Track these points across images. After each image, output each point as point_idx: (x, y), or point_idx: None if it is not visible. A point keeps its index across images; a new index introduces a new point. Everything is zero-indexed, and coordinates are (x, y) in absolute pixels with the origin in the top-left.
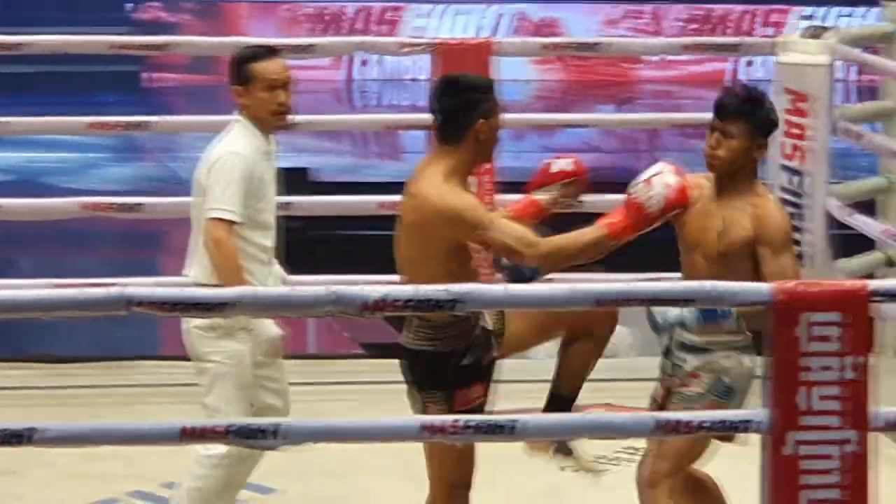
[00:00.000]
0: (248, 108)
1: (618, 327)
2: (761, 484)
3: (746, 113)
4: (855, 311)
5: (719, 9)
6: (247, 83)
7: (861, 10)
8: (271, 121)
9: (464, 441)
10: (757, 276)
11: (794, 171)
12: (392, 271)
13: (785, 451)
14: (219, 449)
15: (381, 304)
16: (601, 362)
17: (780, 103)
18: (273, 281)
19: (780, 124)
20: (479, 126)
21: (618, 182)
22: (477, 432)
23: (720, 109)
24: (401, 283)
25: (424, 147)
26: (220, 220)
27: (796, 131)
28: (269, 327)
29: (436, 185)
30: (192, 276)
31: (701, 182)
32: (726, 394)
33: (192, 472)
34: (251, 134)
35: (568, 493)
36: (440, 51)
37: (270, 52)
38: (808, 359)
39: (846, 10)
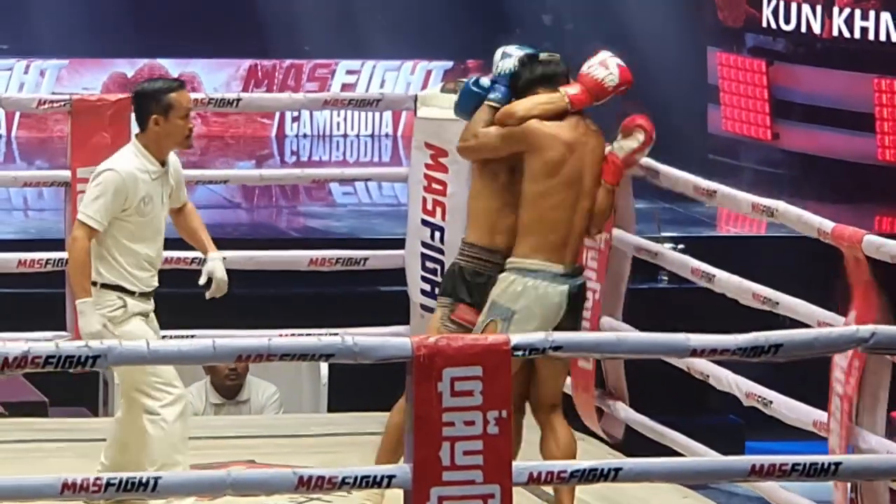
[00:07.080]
0: (155, 134)
1: (263, 383)
2: None
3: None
4: (497, 366)
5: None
6: (166, 112)
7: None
8: (183, 144)
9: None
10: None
11: (435, 227)
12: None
13: None
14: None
15: (22, 361)
16: (244, 419)
17: (421, 158)
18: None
19: (422, 179)
20: None
21: (258, 239)
22: (119, 490)
23: (558, 76)
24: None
25: None
26: (84, 223)
27: (437, 186)
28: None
29: None
30: None
31: None
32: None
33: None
34: (141, 155)
35: None
36: (78, 107)
37: (182, 84)
38: (451, 413)
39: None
